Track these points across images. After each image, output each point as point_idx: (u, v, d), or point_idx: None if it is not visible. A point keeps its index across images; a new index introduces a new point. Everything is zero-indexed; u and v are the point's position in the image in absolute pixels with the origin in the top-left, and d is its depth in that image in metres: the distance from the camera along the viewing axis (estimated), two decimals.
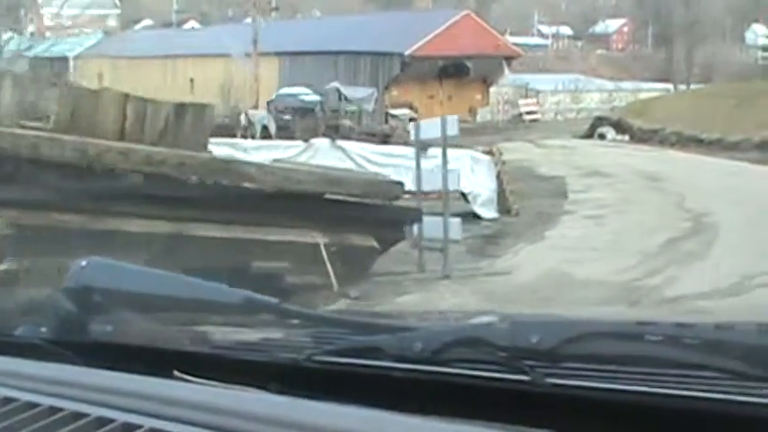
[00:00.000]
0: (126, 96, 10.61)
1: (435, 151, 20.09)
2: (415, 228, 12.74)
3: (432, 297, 10.39)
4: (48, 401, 1.27)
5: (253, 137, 24.46)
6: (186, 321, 1.63)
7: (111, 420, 1.20)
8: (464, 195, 18.45)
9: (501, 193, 18.94)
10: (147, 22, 70.07)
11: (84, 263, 1.57)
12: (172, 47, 51.05)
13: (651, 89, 47.17)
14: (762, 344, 1.17)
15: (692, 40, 60.40)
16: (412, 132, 13.83)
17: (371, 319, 1.68)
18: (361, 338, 1.41)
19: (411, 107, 39.81)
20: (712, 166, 26.07)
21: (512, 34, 74.63)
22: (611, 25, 77.45)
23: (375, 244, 11.56)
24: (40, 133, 9.82)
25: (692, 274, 11.13)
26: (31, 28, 71.64)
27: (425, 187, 13.22)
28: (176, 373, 1.42)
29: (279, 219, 10.63)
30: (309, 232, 10.95)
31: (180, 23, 67.99)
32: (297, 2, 65.78)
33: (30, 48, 51.69)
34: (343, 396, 1.26)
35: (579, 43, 77.08)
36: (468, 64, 39.99)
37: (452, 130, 12.62)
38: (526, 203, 19.56)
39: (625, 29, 76.88)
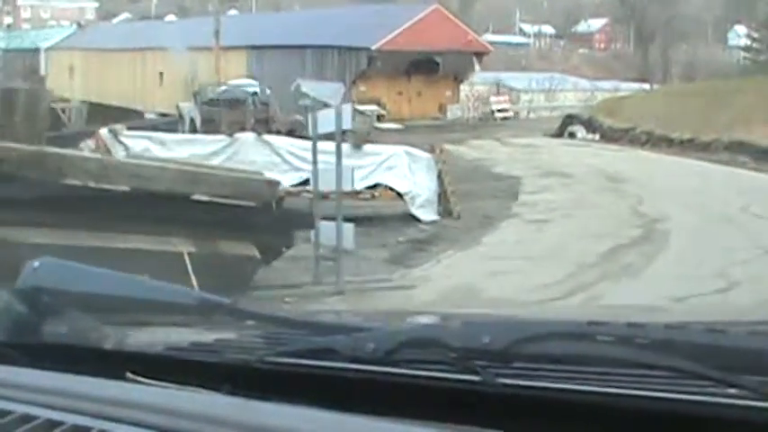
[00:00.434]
0: None
1: (373, 148, 18.36)
2: (313, 234, 10.99)
3: None
4: None
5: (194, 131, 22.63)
6: (139, 322, 1.55)
7: (61, 423, 1.18)
8: (400, 195, 16.65)
9: (443, 193, 17.14)
10: (126, 15, 68.11)
11: (36, 264, 1.54)
12: (144, 40, 49.33)
13: (629, 89, 45.35)
14: (711, 343, 1.15)
15: (672, 41, 58.95)
16: (310, 125, 11.95)
17: (324, 319, 1.65)
18: (313, 339, 1.38)
19: (379, 104, 38.01)
20: (679, 167, 24.36)
21: (494, 32, 73.08)
22: (594, 24, 75.72)
23: (256, 253, 9.73)
24: None
25: (620, 293, 9.33)
26: (8, 20, 69.95)
27: (323, 187, 11.38)
28: (129, 374, 1.39)
29: (130, 223, 8.77)
30: (170, 239, 9.10)
31: (159, 17, 66.10)
32: None
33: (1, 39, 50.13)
34: (295, 397, 1.25)
35: (561, 42, 75.41)
36: (438, 59, 38.11)
37: (347, 122, 10.78)
38: (471, 205, 17.76)
39: (608, 28, 75.16)
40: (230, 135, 16.79)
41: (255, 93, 22.84)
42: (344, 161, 17.15)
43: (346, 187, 11.07)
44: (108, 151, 16.35)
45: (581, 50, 72.52)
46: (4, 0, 65.87)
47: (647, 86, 45.80)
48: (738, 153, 26.04)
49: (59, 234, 8.53)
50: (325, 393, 1.26)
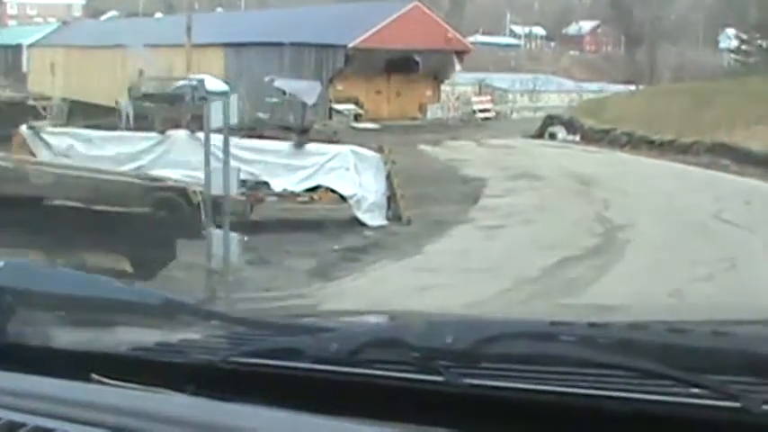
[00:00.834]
0: None
1: (317, 147, 16.82)
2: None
3: None
4: None
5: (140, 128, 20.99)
6: (105, 323, 1.52)
7: (23, 425, 1.17)
8: (343, 198, 15.14)
9: (393, 196, 15.63)
10: (113, 13, 66.53)
11: (0, 264, 1.51)
12: (126, 37, 47.92)
13: (614, 90, 43.73)
14: (672, 343, 1.15)
15: (662, 43, 57.63)
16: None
17: (289, 319, 1.62)
18: (277, 339, 1.37)
19: (357, 103, 36.45)
20: (657, 169, 22.84)
21: (484, 33, 71.48)
22: (585, 26, 74.09)
23: (128, 267, 8.18)
24: None
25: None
26: None
27: (214, 191, 9.83)
28: (93, 375, 1.36)
29: None
30: (19, 250, 7.56)
31: (147, 15, 64.54)
32: None
33: None
34: (258, 397, 1.23)
35: (552, 44, 73.82)
36: (418, 58, 36.47)
37: (233, 116, 9.26)
38: (427, 209, 16.25)
39: (598, 30, 73.54)
40: (162, 132, 15.28)
41: (196, 87, 21.48)
42: (285, 161, 15.71)
43: (232, 191, 9.49)
44: (30, 151, 14.90)
45: (571, 52, 70.87)
46: None
47: (632, 88, 44.17)
48: (721, 155, 24.51)
49: None
50: (288, 394, 1.24)
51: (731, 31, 62.20)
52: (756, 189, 18.64)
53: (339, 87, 36.29)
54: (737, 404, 1.05)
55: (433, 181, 20.40)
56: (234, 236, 9.17)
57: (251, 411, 1.13)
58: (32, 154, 14.67)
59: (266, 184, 14.83)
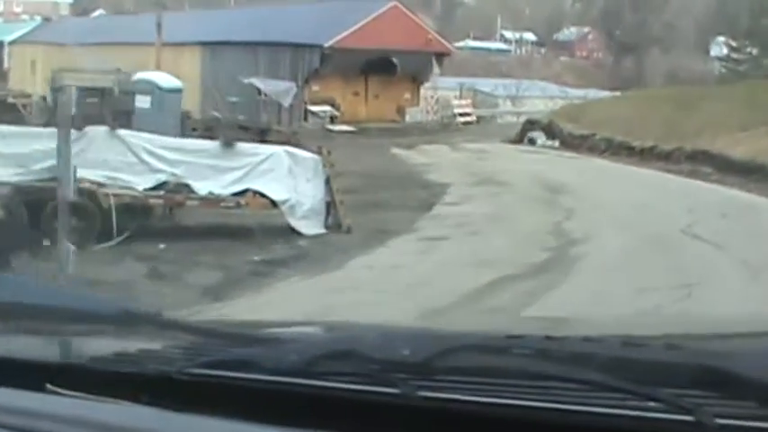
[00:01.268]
0: None
1: (249, 147, 15.14)
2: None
3: None
4: None
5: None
6: (61, 333, 1.48)
7: None
8: (274, 204, 13.46)
9: (333, 203, 13.95)
10: (101, 11, 64.88)
11: None
12: (107, 35, 46.50)
13: (600, 96, 42.08)
14: (627, 356, 1.14)
15: (652, 51, 56.15)
16: None
17: (246, 330, 1.54)
18: (235, 350, 1.33)
19: (333, 104, 34.77)
20: (634, 177, 21.22)
21: (475, 38, 69.90)
22: (575, 33, 72.48)
23: None
24: None
25: None
26: None
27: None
28: (48, 386, 1.31)
29: None
30: None
31: (134, 14, 62.93)
32: None
33: None
34: (214, 409, 1.20)
35: (542, 50, 72.19)
36: (396, 60, 34.78)
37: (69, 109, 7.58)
38: (374, 216, 14.58)
39: (589, 37, 71.92)
40: (79, 129, 13.61)
41: (118, 82, 19.94)
42: (212, 161, 13.98)
43: (69, 194, 7.79)
44: None
45: (562, 58, 69.25)
46: None
47: (618, 94, 42.52)
48: (702, 163, 22.86)
49: None
50: (244, 405, 1.21)
51: (722, 39, 60.70)
52: (735, 199, 17.02)
53: (315, 88, 34.65)
54: (691, 417, 1.03)
55: (393, 185, 18.80)
56: (69, 247, 7.49)
57: (206, 423, 1.13)
58: None
59: (187, 186, 13.15)
